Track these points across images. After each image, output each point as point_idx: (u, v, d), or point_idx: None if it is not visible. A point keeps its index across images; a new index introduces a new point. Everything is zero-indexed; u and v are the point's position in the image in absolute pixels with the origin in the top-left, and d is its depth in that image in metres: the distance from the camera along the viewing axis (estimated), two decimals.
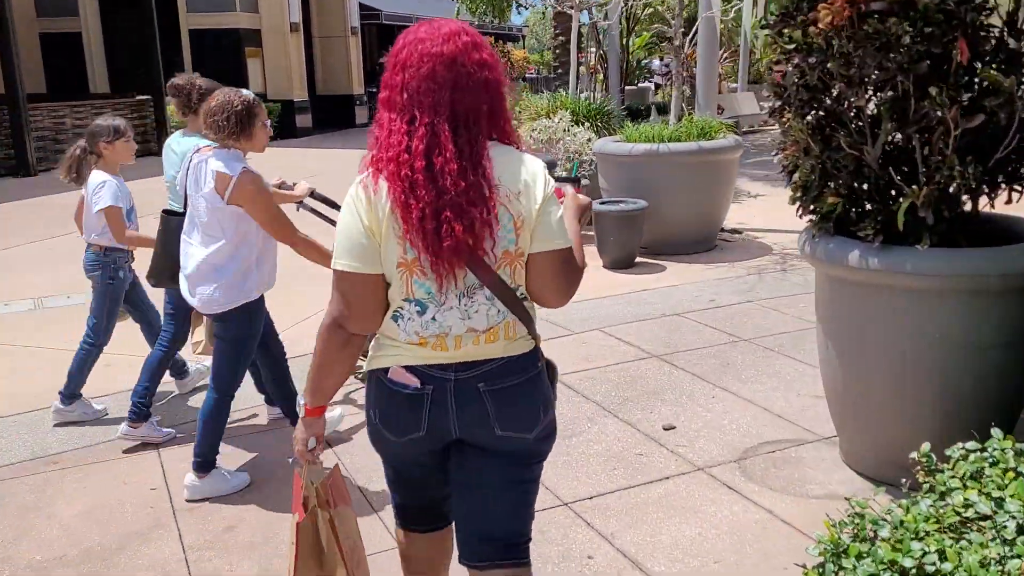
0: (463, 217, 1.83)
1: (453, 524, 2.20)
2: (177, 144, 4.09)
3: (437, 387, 1.97)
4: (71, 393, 4.30)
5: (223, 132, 3.33)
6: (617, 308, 6.01)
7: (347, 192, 1.95)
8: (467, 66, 1.88)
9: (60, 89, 17.09)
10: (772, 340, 5.22)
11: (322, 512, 2.12)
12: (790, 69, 3.31)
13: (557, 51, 13.84)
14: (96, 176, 4.09)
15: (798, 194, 3.43)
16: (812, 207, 3.41)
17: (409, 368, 1.98)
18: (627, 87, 16.57)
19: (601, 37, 16.20)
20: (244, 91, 3.45)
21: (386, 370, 2.00)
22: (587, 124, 8.39)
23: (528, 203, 1.89)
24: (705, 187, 7.46)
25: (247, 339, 3.55)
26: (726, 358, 4.95)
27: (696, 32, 8.38)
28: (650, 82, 25.31)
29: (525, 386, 2.01)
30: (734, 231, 8.29)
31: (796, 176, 3.45)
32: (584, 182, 7.85)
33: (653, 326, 5.59)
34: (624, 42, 16.61)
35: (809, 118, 3.32)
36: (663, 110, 12.78)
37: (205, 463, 3.56)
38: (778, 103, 3.50)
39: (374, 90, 16.58)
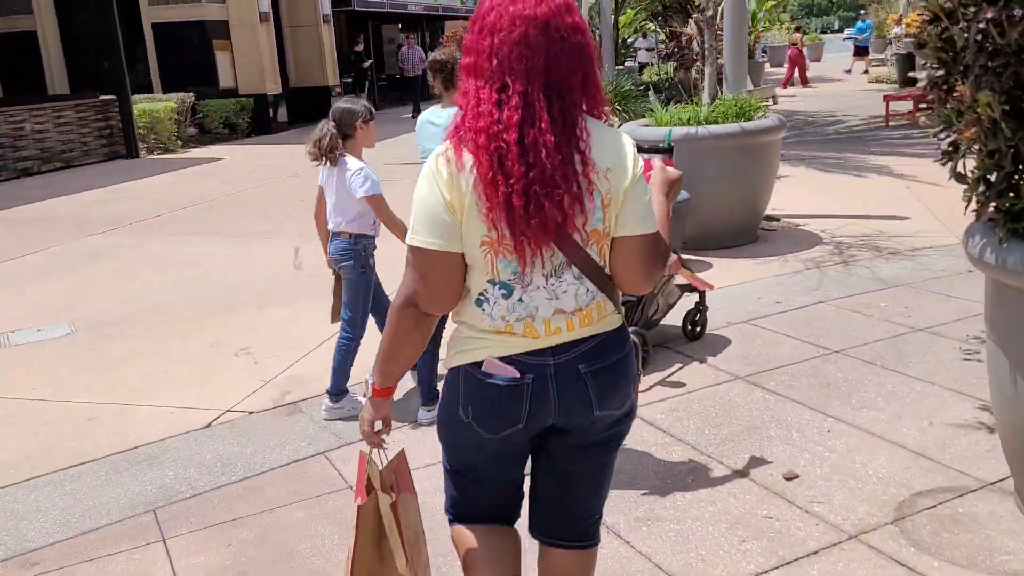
0: (553, 193, 1.73)
1: (515, 526, 2.14)
2: (437, 117, 3.98)
3: (537, 375, 1.86)
4: (338, 390, 4.21)
5: None
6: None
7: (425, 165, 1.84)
8: (561, 30, 1.75)
9: (16, 92, 15.98)
10: (868, 351, 4.49)
11: (384, 496, 2.04)
12: (965, 27, 2.56)
13: None
14: (353, 162, 4.06)
15: (979, 188, 2.68)
16: (997, 204, 2.67)
17: (505, 359, 1.86)
18: (617, 67, 15.84)
19: (593, 14, 15.44)
20: None
21: (477, 364, 1.88)
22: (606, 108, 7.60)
23: (617, 182, 1.80)
24: (748, 173, 6.73)
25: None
26: (823, 376, 4.22)
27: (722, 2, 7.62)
28: (632, 61, 24.58)
29: (622, 363, 1.94)
30: (772, 218, 7.58)
31: (971, 164, 2.71)
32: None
33: (722, 338, 4.84)
34: (615, 19, 15.85)
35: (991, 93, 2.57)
36: (657, 90, 12.07)
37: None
38: (941, 72, 2.75)
39: (350, 80, 15.69)
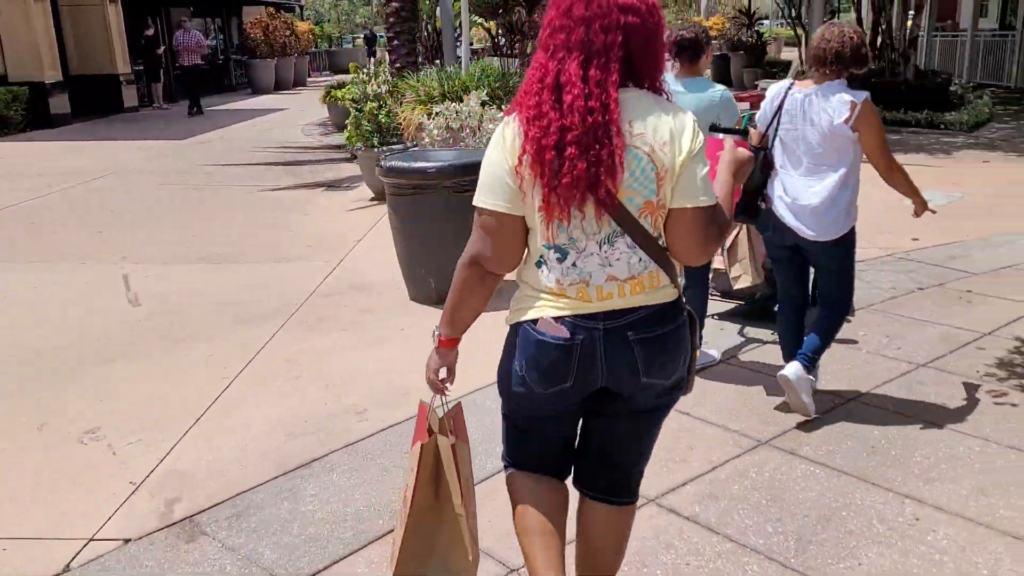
0: (587, 155, 1.83)
1: (567, 482, 2.27)
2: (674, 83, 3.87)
3: (587, 338, 1.96)
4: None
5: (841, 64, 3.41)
6: None
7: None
8: (607, 6, 1.86)
9: None
10: (886, 399, 3.88)
11: (444, 439, 2.13)
12: None
13: (391, 20, 11.85)
14: None
15: None
16: None
17: (558, 319, 1.97)
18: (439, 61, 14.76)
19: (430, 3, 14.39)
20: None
21: (534, 321, 1.99)
22: (504, 104, 6.67)
23: (672, 155, 1.88)
24: None
25: (854, 260, 3.69)
26: (859, 436, 3.54)
27: None
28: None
29: (672, 335, 2.01)
30: None
31: None
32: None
33: (707, 384, 4.08)
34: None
35: None
36: None
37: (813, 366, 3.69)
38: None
39: (140, 67, 13.59)
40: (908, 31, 13.72)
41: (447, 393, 2.20)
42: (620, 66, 1.87)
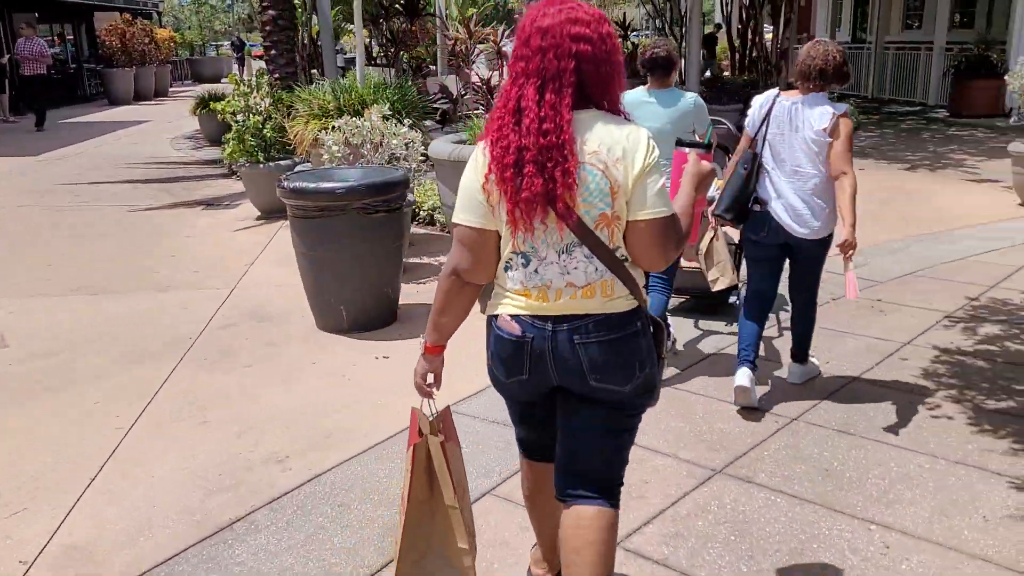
0: (543, 172, 1.99)
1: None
2: (645, 96, 4.27)
3: (536, 337, 2.13)
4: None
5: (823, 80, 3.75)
6: None
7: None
8: (560, 37, 2.00)
9: None
10: (829, 416, 3.85)
11: (433, 438, 2.33)
12: None
13: (268, 28, 11.27)
14: None
15: None
16: None
17: (514, 317, 2.15)
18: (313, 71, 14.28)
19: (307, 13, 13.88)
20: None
21: (497, 318, 2.18)
22: (407, 120, 6.37)
23: (625, 171, 2.02)
24: None
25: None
26: (811, 460, 3.47)
27: None
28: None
29: (620, 342, 2.12)
30: None
31: None
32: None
33: (658, 414, 3.93)
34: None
35: None
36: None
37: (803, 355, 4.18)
38: None
39: None
40: (780, 43, 14.25)
41: (434, 398, 2.37)
42: (573, 90, 2.02)
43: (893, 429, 3.69)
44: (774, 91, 3.91)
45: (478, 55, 9.17)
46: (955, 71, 14.65)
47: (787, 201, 3.81)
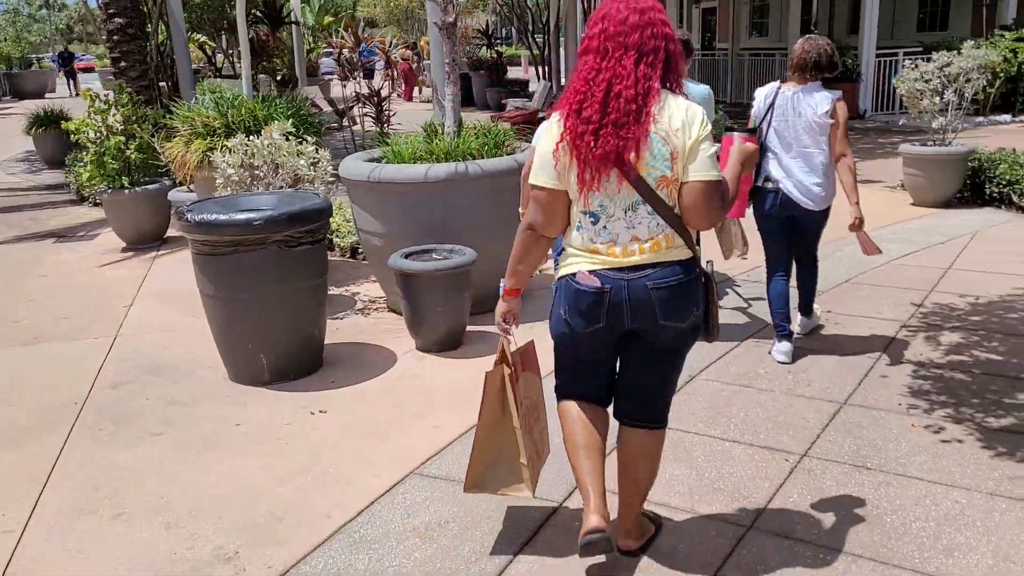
0: (618, 134, 2.35)
1: (608, 410, 2.79)
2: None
3: (614, 287, 2.48)
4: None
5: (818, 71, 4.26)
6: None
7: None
8: (654, 21, 2.38)
9: None
10: (836, 448, 3.54)
11: (505, 368, 2.76)
12: None
13: (116, 38, 10.15)
14: None
15: None
16: None
17: (593, 272, 2.49)
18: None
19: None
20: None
21: (574, 275, 2.52)
22: (310, 137, 5.68)
23: (684, 139, 2.37)
24: (505, 216, 5.43)
25: None
26: (847, 508, 3.15)
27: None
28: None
29: (682, 286, 2.49)
30: None
31: None
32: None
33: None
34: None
35: None
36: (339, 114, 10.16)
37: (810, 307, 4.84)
38: None
39: None
40: None
41: (511, 334, 2.76)
42: (663, 66, 2.39)
43: (910, 460, 3.42)
44: (775, 84, 4.42)
45: (369, 63, 8.54)
46: None
47: (796, 179, 4.33)
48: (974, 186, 8.16)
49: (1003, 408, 3.83)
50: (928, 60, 8.20)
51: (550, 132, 2.48)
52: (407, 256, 4.83)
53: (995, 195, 7.98)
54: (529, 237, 2.56)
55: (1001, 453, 3.44)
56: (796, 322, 4.80)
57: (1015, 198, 7.74)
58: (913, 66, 8.21)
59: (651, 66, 2.37)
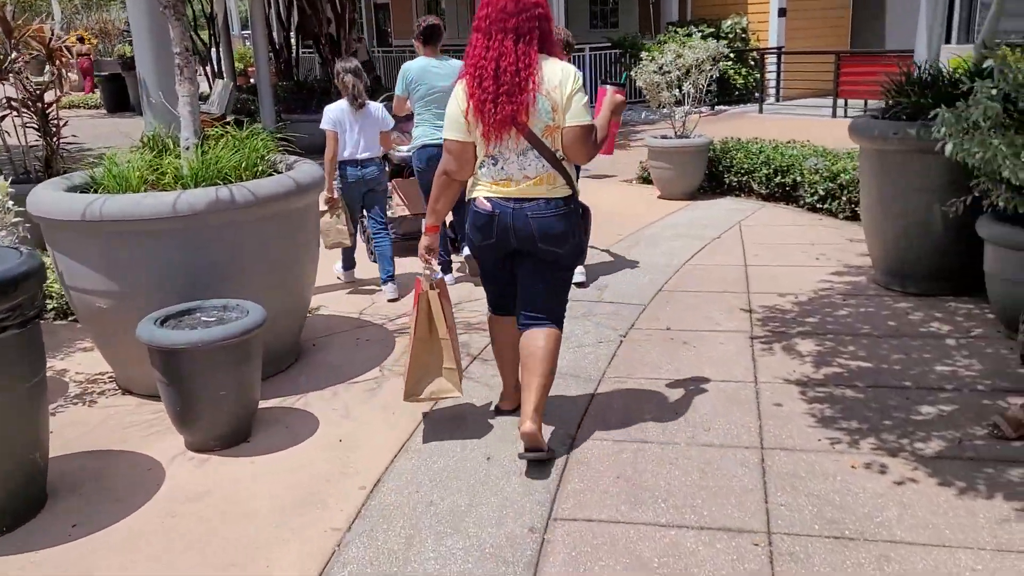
0: (512, 101, 2.99)
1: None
2: (434, 65, 5.39)
3: (502, 212, 3.12)
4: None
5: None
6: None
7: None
8: (527, 6, 3.01)
9: None
10: (815, 512, 2.89)
11: (432, 292, 3.37)
12: None
13: None
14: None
15: None
16: None
17: (487, 199, 3.14)
18: None
19: None
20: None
21: (475, 199, 3.17)
22: None
23: (561, 94, 3.01)
24: (290, 253, 4.19)
25: None
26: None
27: None
28: None
29: (557, 218, 3.11)
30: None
31: None
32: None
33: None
34: None
35: None
36: None
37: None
38: None
39: None
40: (348, 45, 13.20)
41: (432, 263, 3.37)
42: (537, 42, 3.05)
43: (884, 517, 2.86)
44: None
45: (20, 61, 6.56)
46: None
47: None
48: (713, 176, 8.22)
49: (920, 428, 3.45)
50: (645, 54, 8.09)
51: (456, 99, 3.10)
52: (163, 322, 3.44)
53: (735, 184, 8.08)
54: (444, 181, 3.22)
55: (965, 490, 3.00)
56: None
57: (755, 186, 7.87)
58: (650, 58, 8.06)
59: (528, 44, 3.01)
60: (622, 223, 7.11)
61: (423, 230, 3.35)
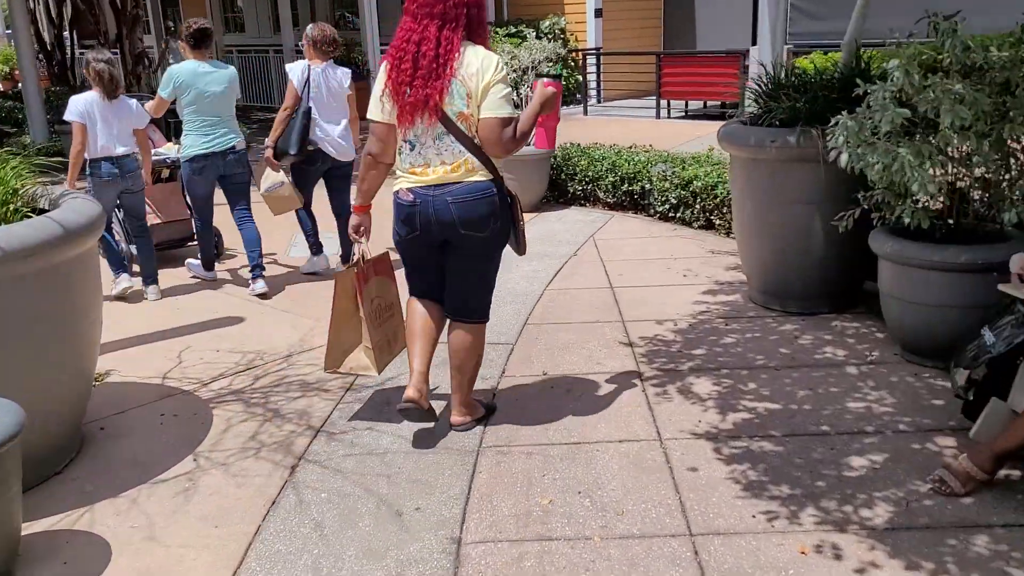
0: (427, 84, 2.97)
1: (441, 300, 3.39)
2: (201, 67, 5.28)
3: (423, 202, 3.10)
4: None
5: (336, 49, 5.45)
6: None
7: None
8: None
9: None
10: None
11: (350, 270, 3.44)
12: None
13: None
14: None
15: None
16: None
17: (409, 189, 3.13)
18: None
19: None
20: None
21: (398, 192, 3.16)
22: None
23: (478, 82, 3.00)
24: (61, 319, 3.17)
25: None
26: None
27: None
28: None
29: (480, 202, 3.10)
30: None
31: None
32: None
33: None
34: None
35: None
36: None
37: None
38: None
39: None
40: (132, 47, 11.69)
41: (362, 241, 3.39)
42: (463, 29, 3.04)
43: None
44: (303, 62, 5.36)
45: None
46: None
47: (332, 139, 5.38)
48: (556, 185, 7.69)
49: (859, 488, 2.96)
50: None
51: (379, 79, 3.11)
52: None
53: (579, 193, 7.58)
54: (369, 163, 3.23)
55: (940, 573, 2.52)
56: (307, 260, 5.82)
57: (601, 194, 7.40)
58: None
59: (453, 30, 3.01)
60: None
61: (352, 209, 3.38)
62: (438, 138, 3.04)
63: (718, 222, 6.36)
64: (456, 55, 2.96)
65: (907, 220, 3.60)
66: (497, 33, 14.05)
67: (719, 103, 12.36)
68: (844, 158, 3.67)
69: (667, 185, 6.74)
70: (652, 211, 6.95)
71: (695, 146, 8.02)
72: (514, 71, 7.34)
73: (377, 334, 3.44)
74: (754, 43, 14.26)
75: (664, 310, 4.79)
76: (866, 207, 3.99)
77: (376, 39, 13.93)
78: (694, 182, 6.52)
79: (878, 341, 4.22)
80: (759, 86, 4.69)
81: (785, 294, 4.68)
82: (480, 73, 2.97)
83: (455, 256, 3.20)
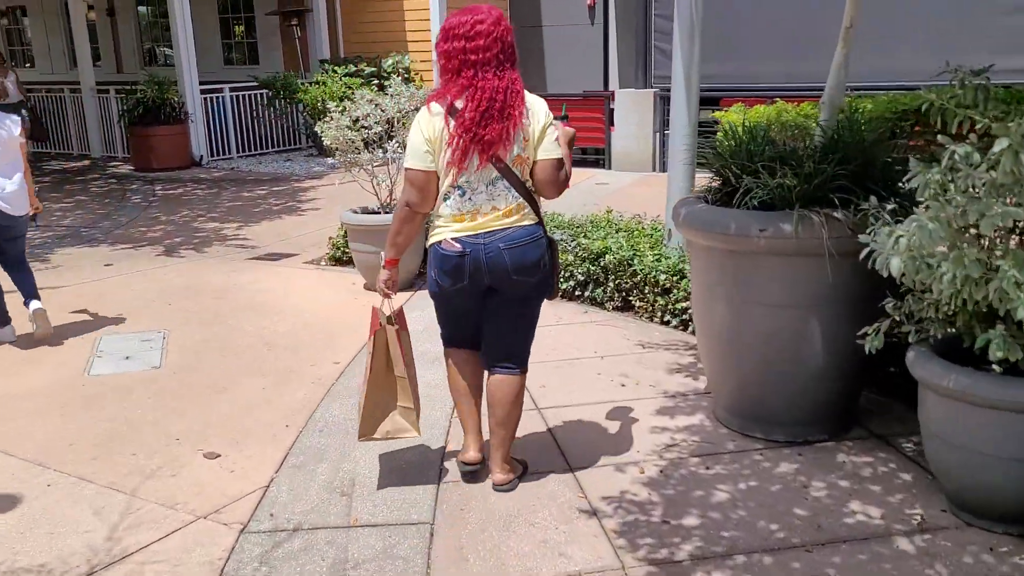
0: (497, 127, 2.91)
1: (481, 350, 3.29)
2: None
3: (473, 250, 3.01)
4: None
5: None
6: None
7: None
8: (501, 31, 2.95)
9: None
10: None
11: (389, 327, 3.23)
12: None
13: None
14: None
15: None
16: None
17: (455, 239, 3.01)
18: None
19: None
20: None
21: (440, 242, 3.04)
22: None
23: (534, 126, 3.00)
24: None
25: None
26: None
27: None
28: None
29: (530, 246, 3.05)
30: None
31: None
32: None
33: None
34: None
35: None
36: None
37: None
38: None
39: None
40: None
41: (392, 297, 3.25)
42: (511, 70, 3.00)
43: None
44: None
45: None
46: (130, 117, 12.05)
47: (6, 194, 4.85)
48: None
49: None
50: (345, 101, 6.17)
51: (419, 126, 2.99)
52: None
53: None
54: (407, 214, 3.09)
55: None
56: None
57: None
58: (340, 109, 6.09)
59: (510, 70, 2.98)
60: (331, 341, 5.04)
61: (382, 264, 3.22)
62: (491, 183, 3.00)
63: (638, 304, 5.33)
64: (523, 98, 2.96)
65: (1000, 354, 2.61)
66: (336, 72, 12.69)
67: (579, 148, 11.57)
68: (895, 265, 2.68)
69: (572, 258, 5.66)
70: None
71: (574, 198, 7.02)
72: (376, 123, 6.05)
73: (413, 391, 3.28)
74: (606, 87, 13.72)
75: (619, 446, 3.65)
76: (898, 318, 3.04)
77: (194, 76, 12.24)
78: (606, 255, 5.47)
79: (909, 488, 3.25)
80: (727, 156, 3.67)
81: (769, 418, 3.66)
82: (536, 116, 3.00)
83: (501, 303, 3.15)
